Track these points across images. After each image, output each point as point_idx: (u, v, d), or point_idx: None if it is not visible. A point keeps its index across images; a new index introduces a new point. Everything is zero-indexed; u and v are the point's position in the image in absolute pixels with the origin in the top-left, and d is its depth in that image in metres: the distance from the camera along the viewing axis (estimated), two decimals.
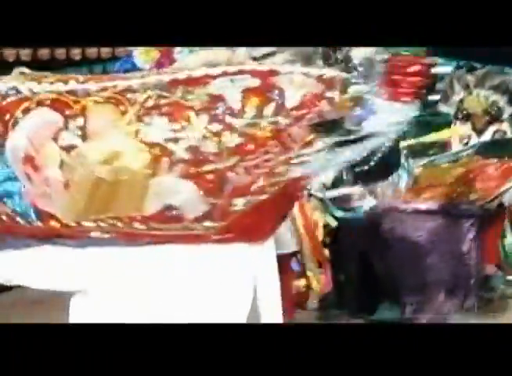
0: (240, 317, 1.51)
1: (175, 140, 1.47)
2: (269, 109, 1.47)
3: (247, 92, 1.47)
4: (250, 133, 1.47)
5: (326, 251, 2.66)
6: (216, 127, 1.47)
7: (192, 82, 1.49)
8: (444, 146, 2.74)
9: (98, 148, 1.48)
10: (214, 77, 1.49)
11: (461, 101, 2.79)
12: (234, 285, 1.53)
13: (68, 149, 1.47)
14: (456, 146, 2.77)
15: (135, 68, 1.87)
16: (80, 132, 1.47)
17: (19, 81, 1.52)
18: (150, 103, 1.48)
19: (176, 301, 1.51)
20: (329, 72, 1.49)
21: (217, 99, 1.47)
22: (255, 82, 1.48)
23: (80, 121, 1.48)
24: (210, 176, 1.47)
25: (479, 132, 2.91)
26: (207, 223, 1.50)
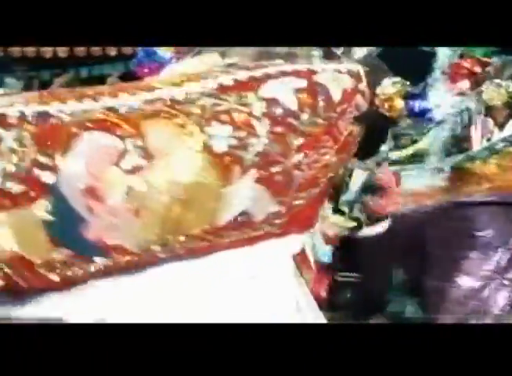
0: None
1: (243, 147, 1.46)
2: (321, 106, 1.52)
3: (299, 93, 1.51)
4: (309, 131, 1.52)
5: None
6: (279, 129, 1.49)
7: (241, 87, 1.49)
8: (468, 141, 2.65)
9: (166, 167, 1.39)
10: (261, 81, 1.50)
11: (480, 93, 2.60)
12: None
13: (134, 172, 1.36)
14: (477, 143, 2.64)
15: (155, 56, 1.79)
16: (142, 153, 1.37)
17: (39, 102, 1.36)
18: (208, 112, 1.45)
19: (244, 302, 1.49)
20: (355, 67, 1.59)
21: (272, 102, 1.49)
22: (303, 82, 1.53)
23: (138, 140, 1.38)
24: (278, 177, 1.50)
25: (500, 126, 2.77)
26: (275, 221, 1.53)
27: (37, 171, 1.30)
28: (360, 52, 1.71)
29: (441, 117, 1.57)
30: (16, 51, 5.41)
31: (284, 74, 1.55)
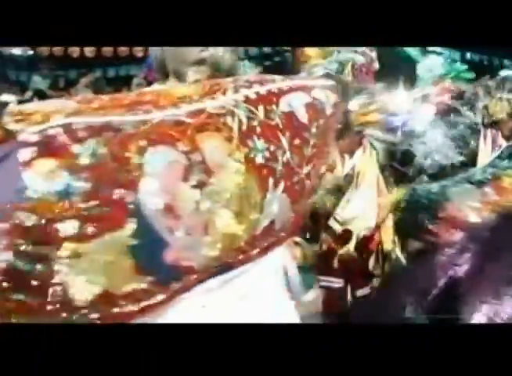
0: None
1: (274, 159, 1.48)
2: (321, 119, 1.63)
3: (307, 107, 1.59)
4: (314, 143, 1.61)
5: None
6: (297, 142, 1.55)
7: (263, 101, 1.50)
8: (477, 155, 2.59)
9: (223, 181, 1.33)
10: (278, 95, 1.54)
11: (485, 107, 2.58)
12: None
13: (200, 188, 1.27)
14: (487, 157, 2.54)
15: None
16: (202, 167, 1.30)
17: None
18: (244, 125, 1.42)
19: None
20: (332, 83, 1.75)
21: (290, 115, 1.54)
22: (307, 97, 1.61)
23: (197, 154, 1.28)
24: (296, 187, 1.57)
25: (507, 139, 2.72)
26: (286, 227, 1.59)
27: (118, 191, 1.12)
28: (321, 70, 1.86)
29: (424, 130, 1.77)
30: (44, 50, 4.91)
31: (292, 89, 1.64)
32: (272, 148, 1.53)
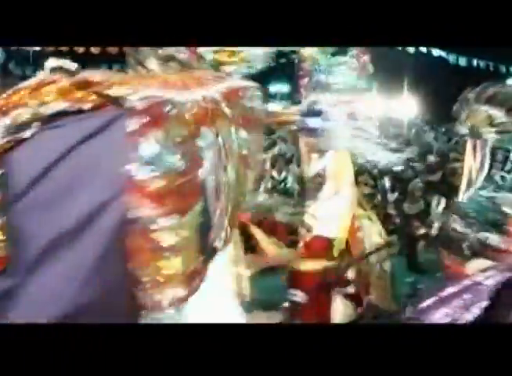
0: None
1: (252, 152, 1.51)
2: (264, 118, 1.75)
3: (260, 105, 1.68)
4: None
5: None
6: (258, 137, 1.61)
7: (234, 95, 1.53)
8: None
9: (230, 169, 1.29)
10: (243, 91, 1.59)
11: (468, 118, 2.48)
12: None
13: (225, 172, 1.21)
14: (481, 164, 2.34)
15: None
16: (224, 152, 1.24)
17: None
18: (234, 116, 1.42)
19: None
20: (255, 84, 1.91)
21: (252, 111, 1.60)
22: (257, 96, 1.70)
23: (219, 139, 1.23)
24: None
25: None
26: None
27: (198, 168, 1.04)
28: (238, 73, 1.95)
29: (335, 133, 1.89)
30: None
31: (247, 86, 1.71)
32: (249, 140, 1.63)
